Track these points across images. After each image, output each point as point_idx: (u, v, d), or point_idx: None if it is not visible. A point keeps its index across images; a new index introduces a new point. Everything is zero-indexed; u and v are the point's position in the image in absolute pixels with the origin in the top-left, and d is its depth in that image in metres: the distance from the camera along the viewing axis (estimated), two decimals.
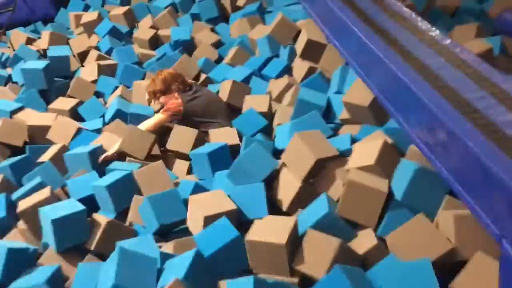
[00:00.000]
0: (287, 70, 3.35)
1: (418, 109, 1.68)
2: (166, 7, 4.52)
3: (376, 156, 1.89)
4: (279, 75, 3.32)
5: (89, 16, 4.37)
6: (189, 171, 2.73)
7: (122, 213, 2.39)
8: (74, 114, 3.32)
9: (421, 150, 1.66)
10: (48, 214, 2.07)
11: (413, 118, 1.74)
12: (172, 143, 2.80)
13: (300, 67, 3.26)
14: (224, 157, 2.52)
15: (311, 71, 3.19)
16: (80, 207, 2.15)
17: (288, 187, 2.15)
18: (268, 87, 3.28)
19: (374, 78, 2.13)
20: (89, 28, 4.30)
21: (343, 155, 2.14)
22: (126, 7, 4.55)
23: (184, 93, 3.07)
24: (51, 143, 3.00)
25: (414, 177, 1.76)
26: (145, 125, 2.89)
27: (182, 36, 3.97)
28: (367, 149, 1.97)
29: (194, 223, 2.05)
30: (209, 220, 1.95)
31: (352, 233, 1.84)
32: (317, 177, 2.13)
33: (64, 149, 2.85)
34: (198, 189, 2.31)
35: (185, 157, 2.77)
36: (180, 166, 2.74)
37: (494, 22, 3.31)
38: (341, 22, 2.50)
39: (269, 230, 1.78)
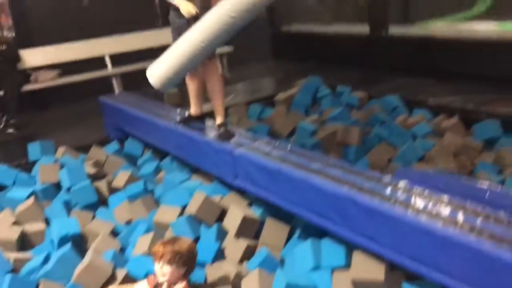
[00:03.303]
0: (220, 252, 3.09)
1: None
2: (27, 197, 3.80)
3: None
4: (215, 259, 3.03)
5: None
6: None
7: None
8: None
9: None
10: None
11: None
12: None
13: (236, 246, 3.06)
14: None
15: (249, 250, 3.03)
16: None
17: None
18: (206, 275, 2.94)
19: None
20: None
21: None
22: None
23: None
24: None
25: None
26: None
27: (71, 229, 3.32)
28: None
29: None
30: None
31: None
32: None
33: None
34: None
35: None
36: None
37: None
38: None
39: None
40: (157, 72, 3.17)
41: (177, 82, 3.44)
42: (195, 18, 3.08)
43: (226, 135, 3.38)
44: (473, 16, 10.20)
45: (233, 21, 2.92)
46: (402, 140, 4.38)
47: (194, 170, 4.09)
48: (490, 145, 4.22)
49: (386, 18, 6.87)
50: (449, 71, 5.83)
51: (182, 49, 3.03)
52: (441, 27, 7.20)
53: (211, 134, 3.52)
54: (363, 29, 7.15)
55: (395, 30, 6.92)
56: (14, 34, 6.53)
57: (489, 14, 9.99)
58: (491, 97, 4.80)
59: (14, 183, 4.17)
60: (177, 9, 3.27)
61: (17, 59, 6.07)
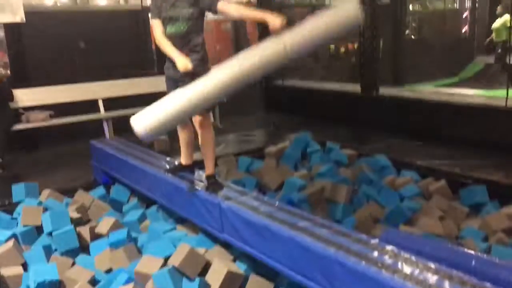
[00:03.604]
0: None
1: None
2: (6, 240, 3.71)
3: None
4: None
5: None
6: None
7: None
8: None
9: None
10: None
11: None
12: None
13: None
14: None
15: None
16: None
17: None
18: None
19: None
20: None
21: None
22: None
23: None
24: None
25: None
26: None
27: (48, 275, 3.23)
28: None
29: None
30: None
31: None
32: None
33: None
34: None
35: None
36: None
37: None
38: None
39: None
40: (147, 122, 3.09)
41: (164, 133, 3.42)
42: (191, 75, 3.08)
43: (214, 187, 3.37)
44: (460, 81, 10.58)
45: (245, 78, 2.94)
46: (390, 200, 4.39)
47: (180, 220, 4.04)
48: (476, 210, 4.24)
49: (377, 78, 7.06)
50: (437, 134, 5.93)
51: (179, 101, 2.98)
52: (429, 91, 7.41)
53: (200, 185, 3.51)
54: (354, 88, 7.33)
55: (385, 90, 7.10)
56: (9, 72, 6.59)
57: (476, 81, 10.37)
58: (478, 163, 4.87)
59: None
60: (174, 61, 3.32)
61: (10, 98, 6.08)
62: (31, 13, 6.58)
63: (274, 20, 2.90)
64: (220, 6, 3.10)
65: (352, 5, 2.79)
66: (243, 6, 3.05)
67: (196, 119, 3.46)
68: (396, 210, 4.13)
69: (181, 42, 3.23)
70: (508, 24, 9.98)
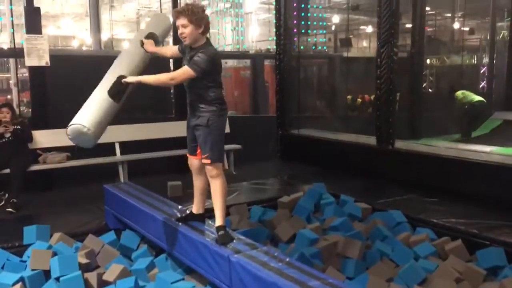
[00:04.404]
0: None
1: None
2: (13, 284, 3.68)
3: None
4: None
5: None
6: None
7: None
8: None
9: None
10: None
11: None
12: None
13: None
14: None
15: None
16: None
17: None
18: None
19: None
20: None
21: None
22: None
23: None
24: None
25: None
26: None
27: None
28: None
29: None
30: None
31: None
32: None
33: None
34: None
35: None
36: None
37: None
38: None
39: None
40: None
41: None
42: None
43: (224, 239, 3.32)
44: (478, 137, 10.50)
45: None
46: (404, 258, 4.28)
47: (189, 270, 3.97)
48: (494, 273, 4.10)
49: (393, 132, 7.03)
50: (454, 191, 5.81)
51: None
52: (446, 146, 7.35)
53: (210, 236, 3.47)
54: (370, 140, 7.30)
55: (401, 144, 7.06)
56: (30, 110, 6.70)
57: (493, 137, 10.29)
58: (495, 223, 4.73)
59: (3, 266, 4.06)
60: None
61: (30, 139, 6.19)
62: (56, 56, 6.79)
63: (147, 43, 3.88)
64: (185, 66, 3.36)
65: None
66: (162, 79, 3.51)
67: (207, 168, 3.47)
68: (411, 270, 4.02)
69: (188, 91, 3.49)
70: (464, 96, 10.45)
